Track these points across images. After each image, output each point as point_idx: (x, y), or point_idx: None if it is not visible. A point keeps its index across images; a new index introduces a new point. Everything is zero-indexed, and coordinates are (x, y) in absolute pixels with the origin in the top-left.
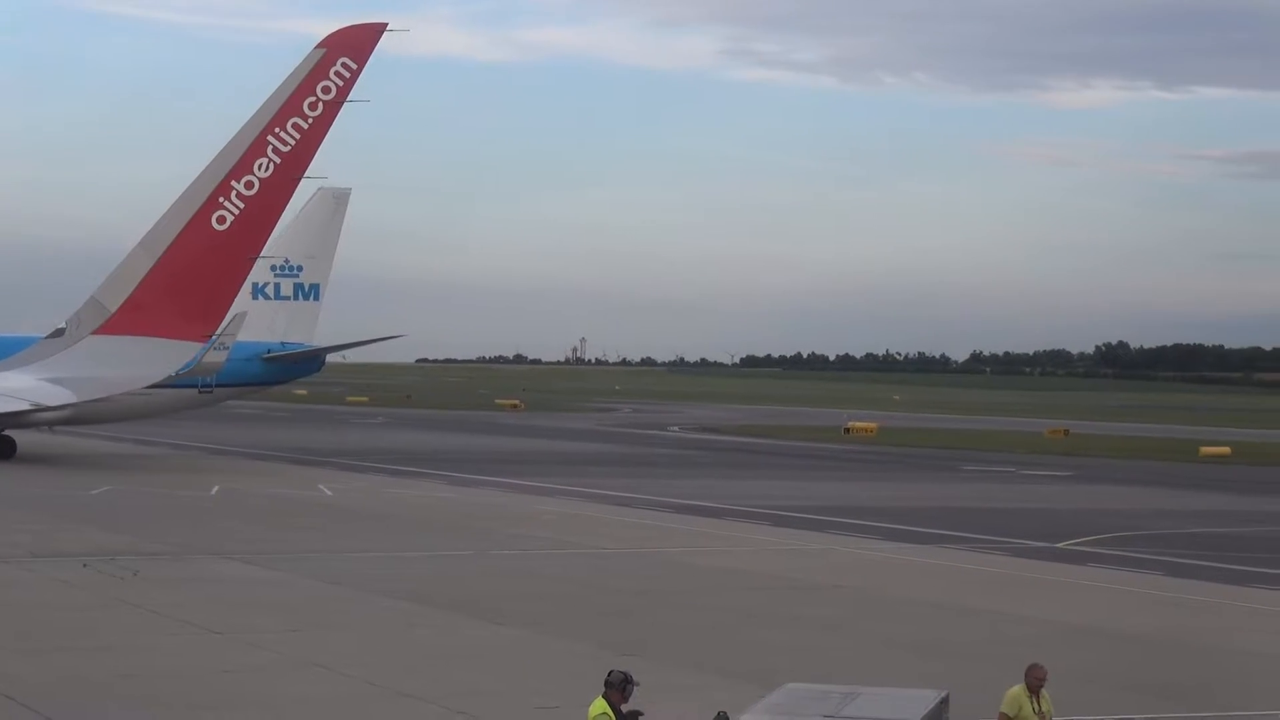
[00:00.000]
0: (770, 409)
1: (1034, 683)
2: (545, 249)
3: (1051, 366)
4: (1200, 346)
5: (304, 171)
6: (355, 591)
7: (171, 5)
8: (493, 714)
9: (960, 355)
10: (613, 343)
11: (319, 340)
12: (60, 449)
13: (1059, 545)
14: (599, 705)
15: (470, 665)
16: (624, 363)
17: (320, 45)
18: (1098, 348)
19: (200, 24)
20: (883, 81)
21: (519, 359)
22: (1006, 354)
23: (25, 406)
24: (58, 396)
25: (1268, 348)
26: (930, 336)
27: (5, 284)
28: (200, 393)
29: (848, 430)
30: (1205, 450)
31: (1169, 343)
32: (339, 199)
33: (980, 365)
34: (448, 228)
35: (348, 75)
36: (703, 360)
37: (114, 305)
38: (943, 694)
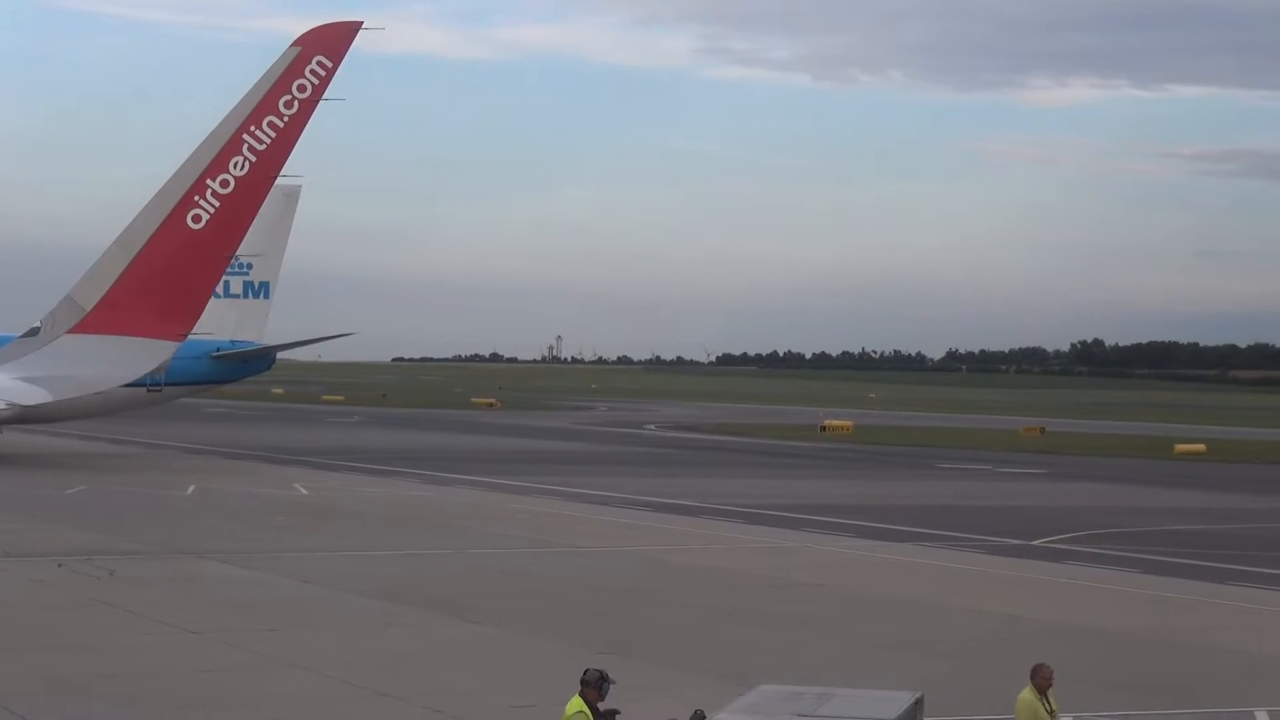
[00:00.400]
0: (747, 407)
1: (1043, 683)
2: (521, 248)
3: (1027, 364)
4: (1175, 344)
5: (280, 170)
6: (332, 590)
7: (148, 3)
8: (470, 713)
9: (936, 353)
10: (589, 341)
11: (269, 338)
12: (34, 448)
13: (1035, 543)
14: (575, 703)
15: (447, 664)
16: (600, 361)
17: (295, 44)
18: (1073, 345)
19: (176, 22)
20: (858, 80)
21: (495, 357)
22: (982, 352)
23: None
24: (32, 395)
25: (1242, 345)
26: (906, 334)
27: None
28: (149, 391)
29: (824, 428)
30: (1180, 448)
31: (1144, 340)
32: (289, 196)
33: (956, 363)
34: (424, 226)
35: (323, 74)
36: (679, 359)
37: (89, 304)
38: (917, 695)
